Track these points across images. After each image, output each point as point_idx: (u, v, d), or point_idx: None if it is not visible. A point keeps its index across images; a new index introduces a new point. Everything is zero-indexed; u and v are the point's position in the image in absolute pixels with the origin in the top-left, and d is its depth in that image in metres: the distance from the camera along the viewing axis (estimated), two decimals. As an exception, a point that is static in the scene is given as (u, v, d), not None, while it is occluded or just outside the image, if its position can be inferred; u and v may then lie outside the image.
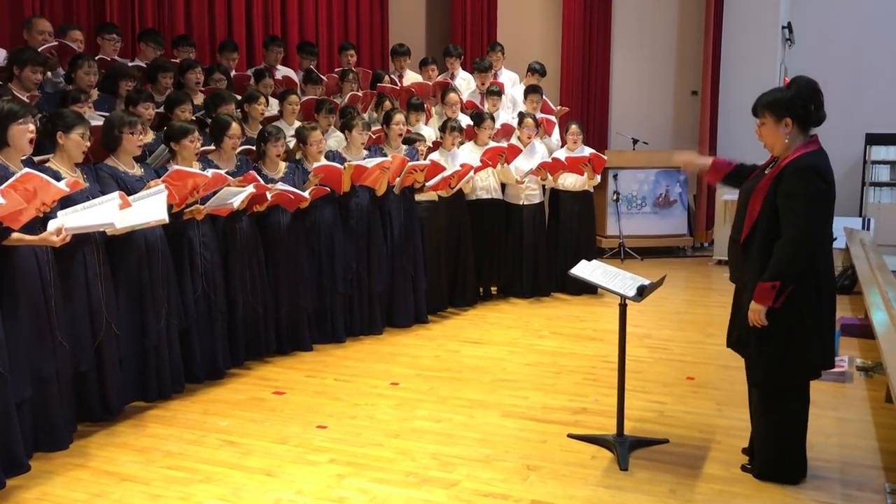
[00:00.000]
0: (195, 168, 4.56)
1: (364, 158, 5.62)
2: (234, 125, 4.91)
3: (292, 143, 5.58)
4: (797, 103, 3.07)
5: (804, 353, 3.09)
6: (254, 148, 5.29)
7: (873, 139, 11.02)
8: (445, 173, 5.92)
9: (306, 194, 5.05)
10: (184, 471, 3.44)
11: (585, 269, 3.66)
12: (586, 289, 6.86)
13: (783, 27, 9.74)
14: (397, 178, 5.72)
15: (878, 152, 11.18)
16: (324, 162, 5.31)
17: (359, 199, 5.60)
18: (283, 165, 5.25)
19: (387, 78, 7.39)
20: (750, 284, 3.17)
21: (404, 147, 6.04)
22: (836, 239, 3.22)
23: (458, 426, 3.95)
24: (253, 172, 4.77)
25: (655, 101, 9.85)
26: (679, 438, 3.79)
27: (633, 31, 9.87)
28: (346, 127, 5.73)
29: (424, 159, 6.05)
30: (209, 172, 4.37)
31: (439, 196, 6.29)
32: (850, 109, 10.87)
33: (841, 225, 10.39)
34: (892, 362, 4.09)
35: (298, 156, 5.53)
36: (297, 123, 5.79)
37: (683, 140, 9.72)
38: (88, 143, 3.91)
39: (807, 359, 3.10)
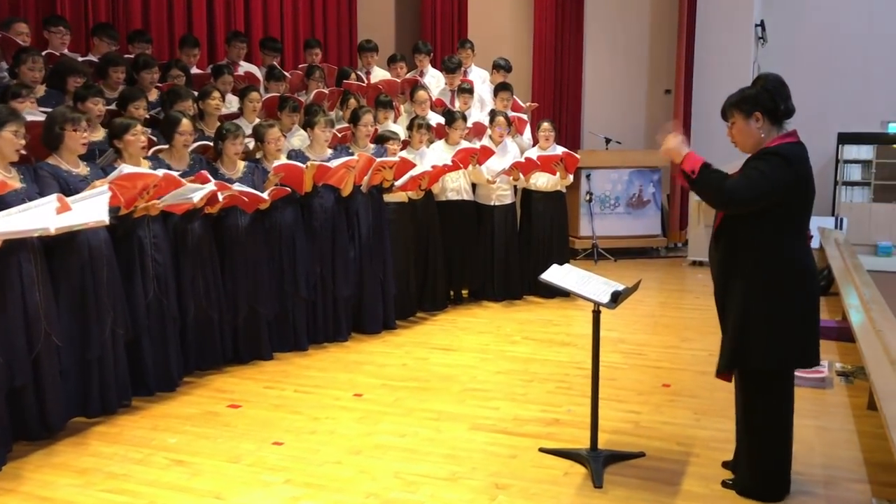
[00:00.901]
0: (144, 166, 4.30)
1: (329, 157, 5.39)
2: (185, 121, 4.65)
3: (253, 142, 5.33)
4: (764, 96, 2.98)
5: (783, 341, 2.93)
6: (210, 144, 5.03)
7: (845, 138, 11.01)
8: (414, 172, 5.70)
9: (265, 195, 4.80)
10: (125, 494, 3.18)
11: (557, 275, 3.45)
12: (559, 291, 6.64)
13: (756, 25, 9.67)
14: (364, 177, 5.49)
15: (850, 151, 11.18)
16: (284, 161, 5.06)
17: (323, 200, 5.35)
18: (241, 165, 5.00)
19: (353, 75, 7.15)
20: (719, 278, 3.05)
21: (372, 146, 5.81)
22: (812, 237, 3.07)
23: (424, 441, 3.73)
24: (204, 172, 4.50)
25: (628, 100, 9.71)
26: (656, 451, 3.60)
27: (606, 28, 9.72)
28: (308, 124, 5.48)
29: (396, 156, 5.81)
30: (160, 172, 4.10)
31: (409, 197, 6.07)
32: (823, 108, 10.83)
33: (814, 224, 10.38)
34: (874, 367, 3.95)
35: (259, 155, 5.28)
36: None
37: (656, 139, 9.58)
38: (23, 141, 3.63)
39: (786, 347, 2.94)
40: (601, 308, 3.33)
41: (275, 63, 6.90)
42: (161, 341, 4.41)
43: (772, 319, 2.92)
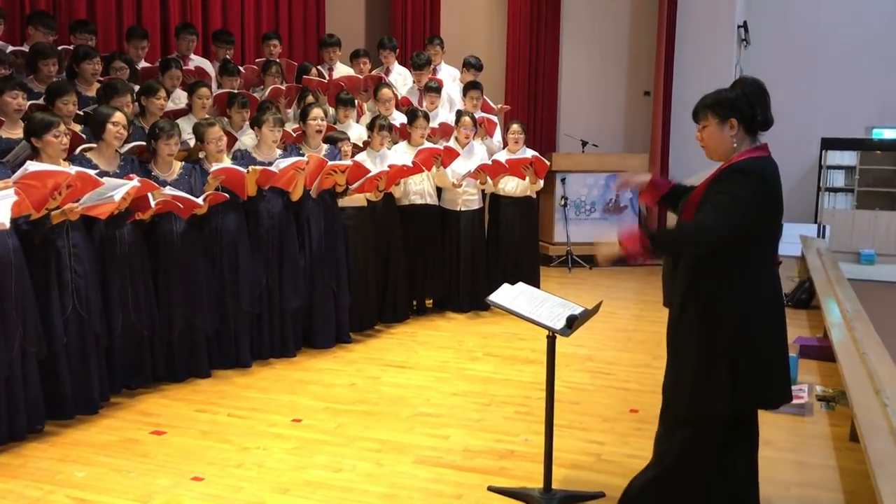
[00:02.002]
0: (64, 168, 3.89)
1: (278, 158, 5.00)
2: (118, 113, 4.25)
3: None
4: (743, 103, 2.61)
5: (735, 384, 2.56)
6: (144, 143, 4.63)
7: (829, 144, 10.75)
8: (370, 174, 5.33)
9: (200, 200, 4.40)
10: (11, 543, 2.80)
11: (506, 296, 3.09)
12: (528, 303, 6.30)
13: (739, 27, 9.37)
14: (315, 181, 5.11)
15: (834, 157, 10.92)
16: (226, 164, 4.67)
17: (270, 205, 4.96)
18: (177, 166, 4.60)
19: (314, 70, 6.76)
20: (674, 300, 2.69)
21: (325, 146, 5.43)
22: (780, 263, 2.70)
23: (361, 477, 3.35)
24: (133, 175, 4.10)
25: (606, 102, 9.37)
26: (616, 490, 3.22)
27: (584, 27, 9.37)
28: (255, 123, 5.09)
29: (349, 159, 5.44)
30: (73, 170, 3.70)
31: (368, 201, 5.70)
32: (807, 113, 10.58)
33: (796, 232, 10.09)
34: (857, 397, 3.62)
35: (202, 155, 4.88)
36: (209, 119, 5.14)
37: (635, 142, 9.27)
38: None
39: (737, 390, 2.57)
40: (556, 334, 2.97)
41: (228, 57, 6.50)
42: (81, 360, 4.01)
43: (738, 358, 2.57)
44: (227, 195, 4.58)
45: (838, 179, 11.12)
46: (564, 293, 6.93)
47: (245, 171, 4.65)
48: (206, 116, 5.16)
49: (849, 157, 10.96)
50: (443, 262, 6.34)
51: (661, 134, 8.90)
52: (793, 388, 4.38)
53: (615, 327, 6.03)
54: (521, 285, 3.18)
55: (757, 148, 2.63)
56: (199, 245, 4.63)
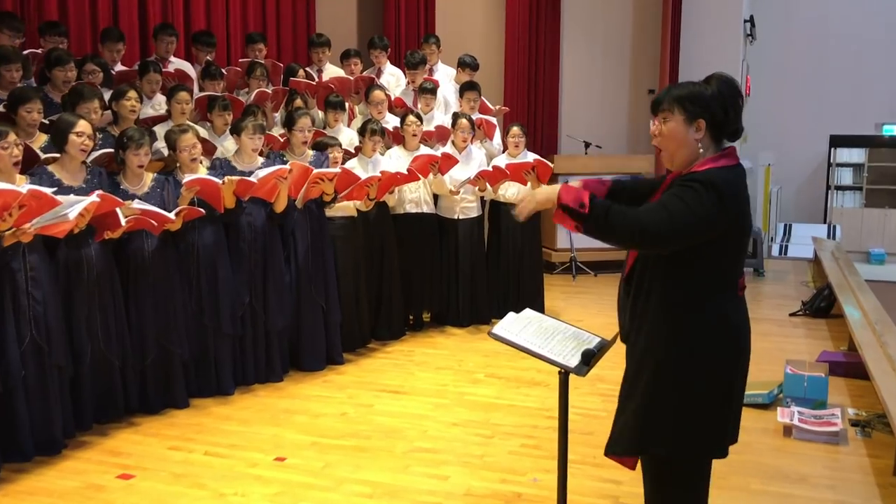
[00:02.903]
0: (19, 183, 3.52)
1: (260, 166, 4.63)
2: (82, 122, 3.88)
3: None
4: (717, 103, 2.19)
5: (697, 425, 2.25)
6: (112, 151, 4.26)
7: (838, 141, 10.40)
8: (359, 182, 4.97)
9: (172, 215, 4.02)
10: None
11: (512, 328, 2.67)
12: (531, 316, 5.93)
13: (745, 21, 9.01)
14: (300, 191, 4.74)
15: (842, 154, 10.57)
16: (200, 174, 4.29)
17: (251, 217, 4.59)
18: (149, 178, 4.22)
19: (301, 72, 6.38)
20: (630, 329, 2.37)
21: (311, 153, 5.05)
22: (744, 287, 2.29)
23: (350, 530, 2.99)
24: (100, 191, 3.72)
25: (609, 101, 8.99)
26: (639, 543, 2.87)
27: (585, 22, 8.99)
28: (234, 130, 4.71)
29: (338, 167, 5.06)
30: (25, 188, 3.32)
31: (358, 210, 5.33)
32: (815, 109, 10.24)
33: (808, 233, 9.72)
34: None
35: (178, 165, 4.51)
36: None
37: (639, 143, 8.90)
38: None
39: (699, 432, 2.25)
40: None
41: (209, 59, 6.12)
42: (41, 395, 3.63)
43: (686, 397, 2.22)
44: (202, 210, 4.20)
45: (846, 177, 10.78)
46: (569, 303, 6.62)
47: (220, 181, 4.27)
48: (187, 122, 4.78)
49: (857, 155, 10.62)
50: (440, 274, 5.97)
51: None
52: (823, 412, 4.06)
53: (625, 342, 5.64)
54: (527, 313, 2.78)
55: (722, 155, 2.21)
56: (174, 263, 4.26)
